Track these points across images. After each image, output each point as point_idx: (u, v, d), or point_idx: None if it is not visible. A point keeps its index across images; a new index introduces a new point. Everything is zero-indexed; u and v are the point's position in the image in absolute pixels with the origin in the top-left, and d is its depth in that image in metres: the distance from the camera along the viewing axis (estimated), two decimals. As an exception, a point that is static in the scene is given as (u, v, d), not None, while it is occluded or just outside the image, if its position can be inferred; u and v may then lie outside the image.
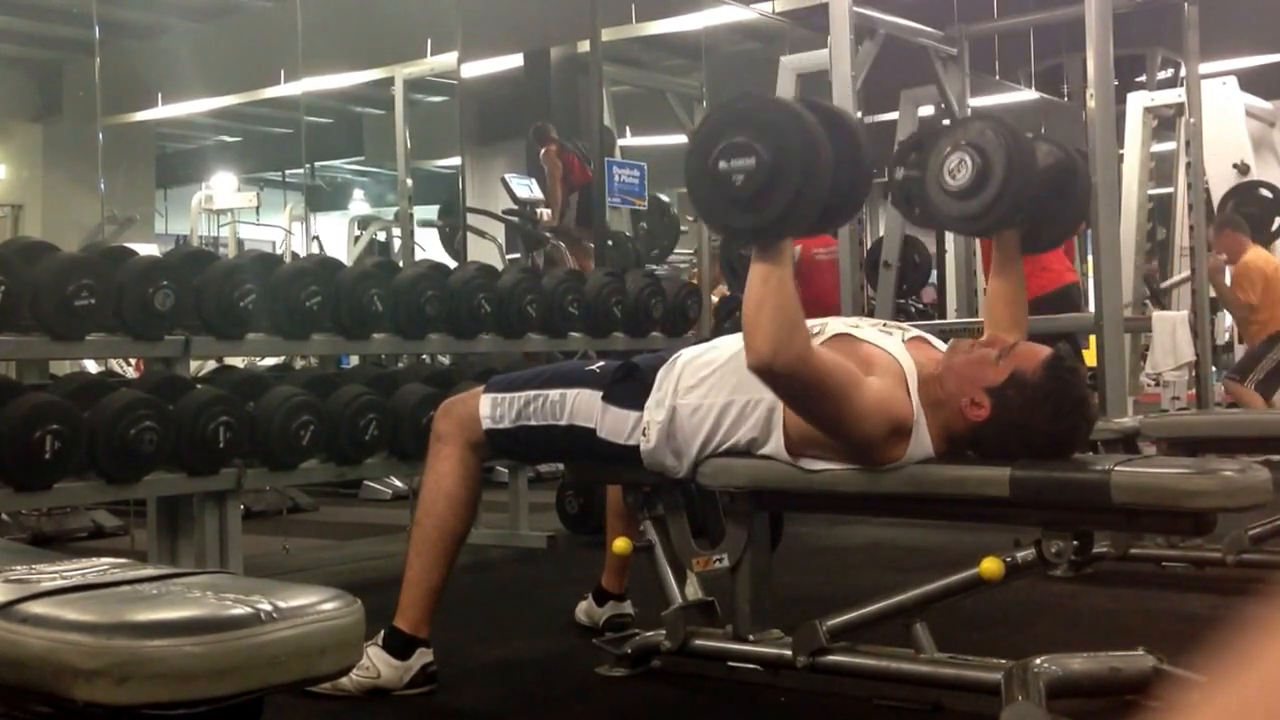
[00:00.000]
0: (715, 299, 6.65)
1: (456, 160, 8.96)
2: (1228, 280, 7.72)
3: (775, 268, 2.49)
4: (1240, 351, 8.42)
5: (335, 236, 14.33)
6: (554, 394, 2.98)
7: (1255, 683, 0.46)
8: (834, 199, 2.54)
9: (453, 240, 8.02)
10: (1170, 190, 8.65)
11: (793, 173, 2.40)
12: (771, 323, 2.45)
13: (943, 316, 8.70)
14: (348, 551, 5.41)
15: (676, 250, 10.03)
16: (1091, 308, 6.96)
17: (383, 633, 2.88)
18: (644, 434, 2.86)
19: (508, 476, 5.40)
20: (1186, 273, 8.66)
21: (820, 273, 7.05)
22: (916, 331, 2.91)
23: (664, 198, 8.34)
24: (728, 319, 6.40)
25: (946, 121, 6.87)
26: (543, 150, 8.49)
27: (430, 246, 9.68)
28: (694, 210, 2.60)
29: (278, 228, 13.05)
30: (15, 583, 1.40)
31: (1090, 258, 7.55)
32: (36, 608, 1.33)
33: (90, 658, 1.26)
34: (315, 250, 11.82)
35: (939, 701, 2.60)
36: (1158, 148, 9.34)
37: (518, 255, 8.25)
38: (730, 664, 2.87)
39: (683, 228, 8.67)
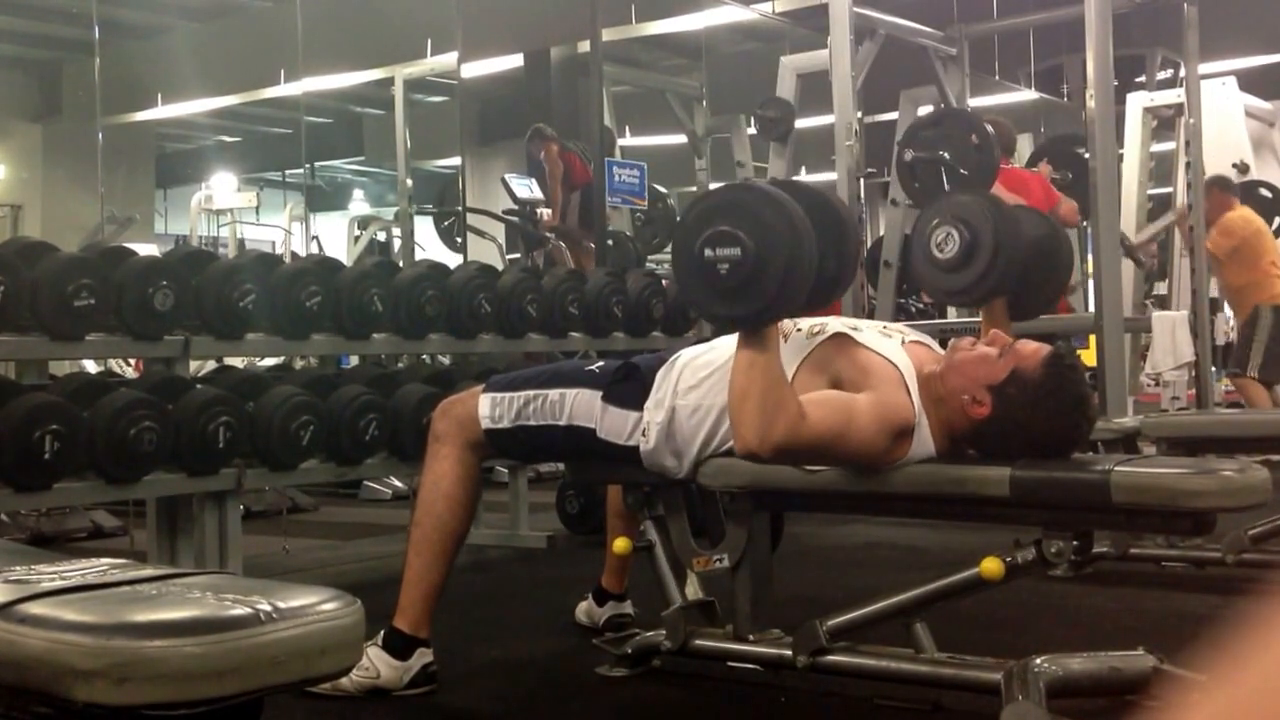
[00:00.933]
0: None
1: (456, 160, 8.97)
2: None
3: (760, 354, 2.55)
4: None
5: (335, 236, 14.32)
6: (553, 394, 2.98)
7: (1254, 682, 0.46)
8: (820, 285, 2.57)
9: (450, 232, 8.02)
10: (1170, 190, 8.65)
11: (777, 264, 2.44)
12: (756, 412, 2.52)
13: (942, 316, 8.69)
14: (348, 552, 5.41)
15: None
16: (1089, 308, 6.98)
17: (382, 633, 2.88)
18: (643, 434, 2.86)
19: (508, 476, 5.40)
20: (1162, 222, 8.66)
21: None
22: (916, 335, 2.91)
23: (661, 188, 8.34)
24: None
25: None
26: (542, 151, 8.50)
27: (430, 246, 9.68)
28: (680, 293, 2.65)
29: (277, 228, 13.05)
30: (15, 583, 1.40)
31: (1090, 257, 7.55)
32: (36, 608, 1.33)
33: (90, 658, 1.25)
34: (315, 250, 11.82)
35: (939, 701, 2.60)
36: (1157, 148, 9.34)
37: (518, 255, 8.25)
38: (730, 664, 2.87)
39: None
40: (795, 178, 6.92)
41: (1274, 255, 7.95)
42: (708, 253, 2.48)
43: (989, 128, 5.32)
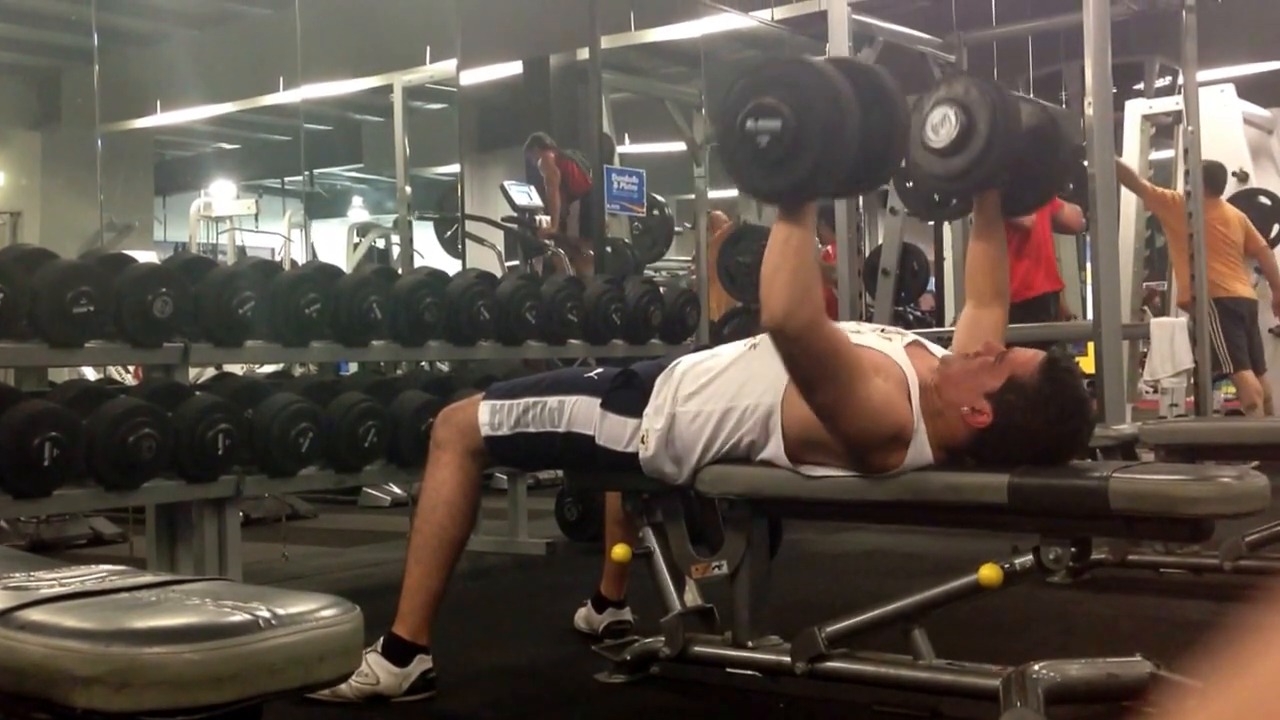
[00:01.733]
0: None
1: (455, 167, 8.97)
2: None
3: (797, 229, 2.51)
4: None
5: (334, 244, 14.33)
6: (552, 401, 2.98)
7: (1250, 688, 0.46)
8: (865, 162, 2.54)
9: (453, 240, 8.03)
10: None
11: (816, 136, 2.41)
12: (788, 285, 2.47)
13: (941, 324, 8.69)
14: (347, 558, 5.41)
15: (675, 257, 10.03)
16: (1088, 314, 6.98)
17: (382, 639, 2.88)
18: (642, 441, 2.86)
19: (507, 483, 5.40)
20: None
21: None
22: (914, 337, 2.91)
23: (658, 197, 8.34)
24: (726, 326, 6.41)
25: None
26: (540, 159, 8.50)
27: (429, 253, 9.68)
28: (724, 167, 2.61)
29: (277, 235, 13.06)
30: (14, 590, 1.40)
31: (1089, 265, 7.56)
32: (35, 615, 1.33)
33: (89, 665, 1.26)
34: (314, 257, 11.82)
35: (937, 708, 2.60)
36: (1156, 155, 9.35)
37: (517, 262, 8.25)
38: (729, 670, 2.87)
39: (677, 229, 8.67)
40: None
41: (1230, 256, 7.96)
42: (749, 124, 2.46)
43: None
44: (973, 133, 2.96)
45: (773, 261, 2.51)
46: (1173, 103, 8.32)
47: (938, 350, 2.86)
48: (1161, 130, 8.98)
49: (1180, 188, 7.79)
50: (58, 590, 1.41)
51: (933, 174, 3.11)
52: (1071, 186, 7.14)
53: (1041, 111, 3.22)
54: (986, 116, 2.96)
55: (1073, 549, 2.48)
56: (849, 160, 2.46)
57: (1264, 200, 8.94)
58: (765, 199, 2.86)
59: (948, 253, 8.75)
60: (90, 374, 7.02)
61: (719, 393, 2.80)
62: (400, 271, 5.60)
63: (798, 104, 2.41)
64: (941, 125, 2.99)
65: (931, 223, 8.86)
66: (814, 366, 2.55)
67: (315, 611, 1.40)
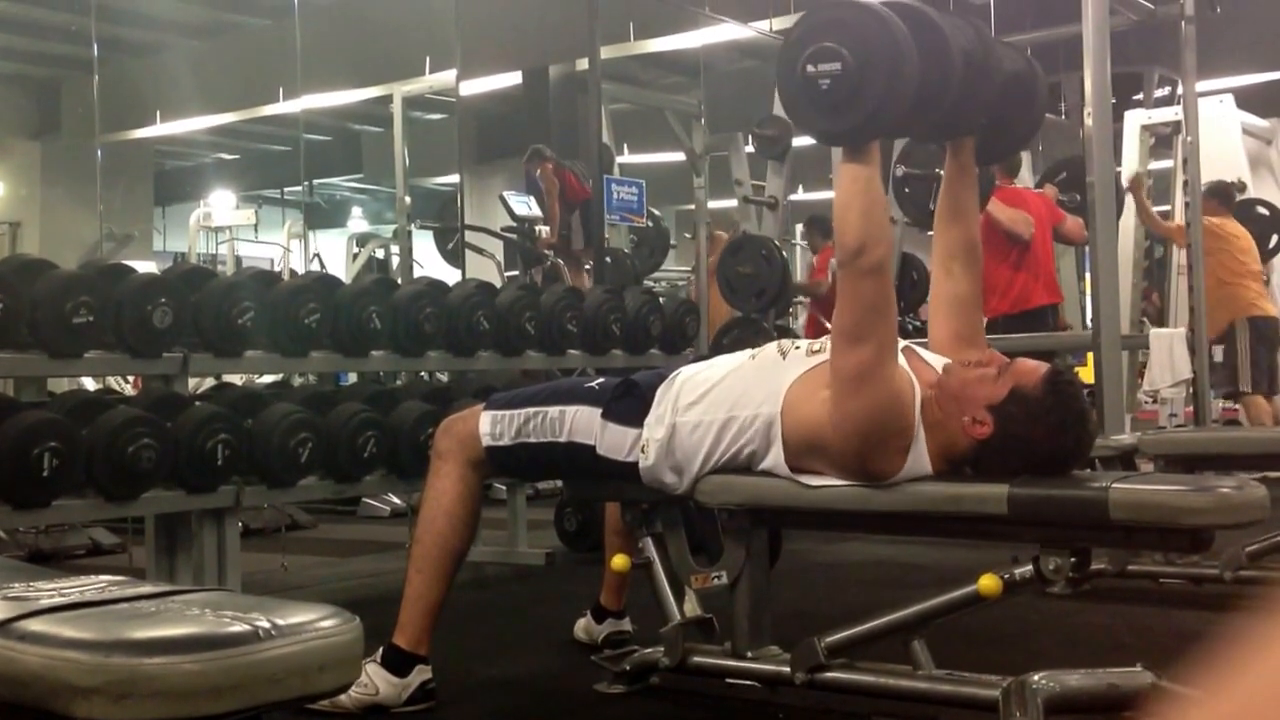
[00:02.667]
0: None
1: (455, 178, 8.98)
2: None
3: (864, 168, 2.56)
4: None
5: (334, 254, 14.33)
6: (553, 411, 2.98)
7: (1246, 693, 0.46)
8: (921, 98, 2.56)
9: (455, 251, 8.03)
10: (1168, 208, 8.66)
11: (879, 75, 2.45)
12: (861, 219, 2.53)
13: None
14: (346, 569, 5.41)
15: (675, 267, 10.04)
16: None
17: (381, 650, 2.88)
18: (643, 451, 2.86)
19: (506, 494, 5.40)
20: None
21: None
22: (905, 342, 2.90)
23: (654, 210, 8.36)
24: (725, 336, 6.41)
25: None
26: (539, 170, 8.52)
27: (429, 263, 9.68)
28: (785, 112, 2.63)
29: (276, 245, 13.06)
30: (13, 600, 1.40)
31: (1089, 275, 7.56)
32: (34, 625, 1.33)
33: (88, 675, 1.25)
34: (314, 268, 11.82)
35: (937, 718, 2.59)
36: (1155, 165, 9.35)
37: (516, 273, 8.26)
38: (729, 681, 2.86)
39: (672, 243, 8.68)
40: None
41: (1249, 270, 7.97)
42: (809, 69, 2.49)
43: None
44: (949, 77, 2.91)
45: (844, 200, 2.56)
46: (1172, 113, 8.33)
47: (931, 358, 2.85)
48: (1161, 140, 8.98)
49: (1179, 198, 7.80)
50: (57, 601, 1.41)
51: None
52: (1079, 198, 7.16)
53: (1020, 58, 3.17)
54: (960, 60, 2.91)
55: (1072, 559, 2.48)
56: (909, 98, 2.49)
57: (1262, 210, 8.95)
58: (829, 141, 2.87)
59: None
60: (90, 384, 7.03)
61: (719, 402, 2.80)
62: (400, 282, 5.61)
63: (856, 45, 2.46)
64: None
65: (930, 232, 8.86)
66: (868, 313, 2.55)
67: (315, 622, 1.40)
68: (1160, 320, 8.90)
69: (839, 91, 2.47)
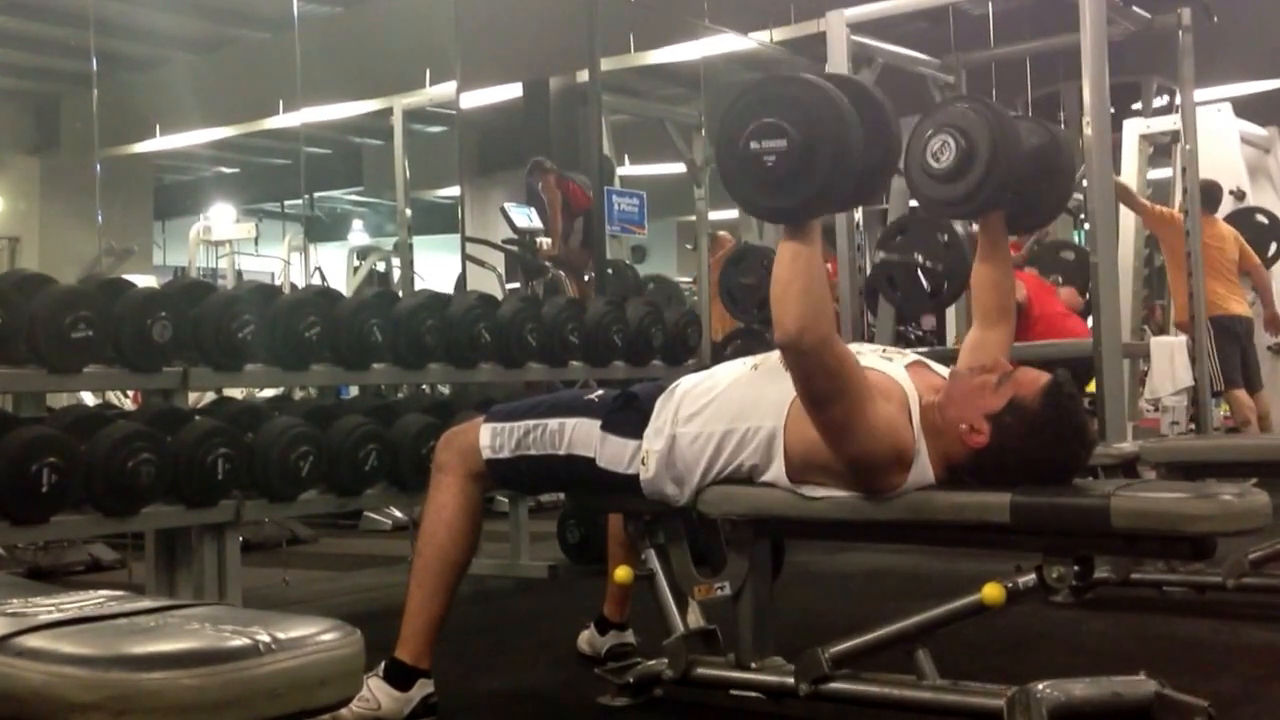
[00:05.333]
0: None
1: (455, 190, 8.98)
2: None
3: (805, 247, 2.50)
4: None
5: (335, 267, 14.33)
6: (553, 423, 2.98)
7: None
8: (865, 175, 2.54)
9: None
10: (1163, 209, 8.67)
11: (824, 153, 2.40)
12: (800, 301, 2.47)
13: (943, 342, 8.70)
14: (348, 583, 5.40)
15: (677, 278, 10.04)
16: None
17: (383, 664, 2.87)
18: (643, 463, 2.85)
19: (508, 506, 5.39)
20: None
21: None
22: (916, 357, 2.91)
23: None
24: (728, 346, 6.41)
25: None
26: (541, 182, 8.52)
27: (430, 276, 9.68)
28: (725, 188, 2.59)
29: (276, 259, 13.06)
30: (12, 616, 1.39)
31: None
32: (33, 641, 1.32)
33: (87, 691, 1.25)
34: (315, 281, 11.82)
35: (942, 729, 2.59)
36: (1154, 174, 9.36)
37: (517, 284, 8.26)
38: (733, 692, 2.86)
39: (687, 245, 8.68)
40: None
41: (1227, 275, 7.99)
42: (752, 145, 2.44)
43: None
44: (973, 158, 2.97)
45: (783, 279, 2.50)
46: (1170, 122, 8.32)
47: (941, 370, 2.85)
48: (1159, 149, 8.99)
49: (1178, 206, 7.81)
50: (56, 616, 1.40)
51: (936, 199, 3.13)
52: (1060, 280, 7.30)
53: (1043, 131, 3.22)
54: (986, 141, 2.96)
55: (1075, 568, 2.47)
56: (855, 172, 2.46)
57: (1261, 219, 8.95)
58: (772, 219, 2.85)
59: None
60: (89, 399, 7.02)
61: (719, 414, 2.80)
62: (401, 294, 5.60)
63: (802, 121, 2.41)
64: (942, 151, 3.00)
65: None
66: (826, 382, 2.54)
67: (316, 635, 1.39)
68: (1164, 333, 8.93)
69: (783, 169, 2.41)
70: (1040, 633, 3.70)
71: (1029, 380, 2.65)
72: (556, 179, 8.49)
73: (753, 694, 2.82)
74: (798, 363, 2.55)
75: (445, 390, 5.56)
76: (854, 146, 2.42)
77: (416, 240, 9.30)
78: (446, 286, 7.24)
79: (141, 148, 13.74)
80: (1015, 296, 3.19)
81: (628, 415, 2.92)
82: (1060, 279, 7.95)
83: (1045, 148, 3.15)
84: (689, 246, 8.96)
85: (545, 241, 8.07)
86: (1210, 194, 8.04)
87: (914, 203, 7.33)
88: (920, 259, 5.85)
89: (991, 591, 2.47)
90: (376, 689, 2.83)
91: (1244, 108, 9.85)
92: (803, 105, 2.43)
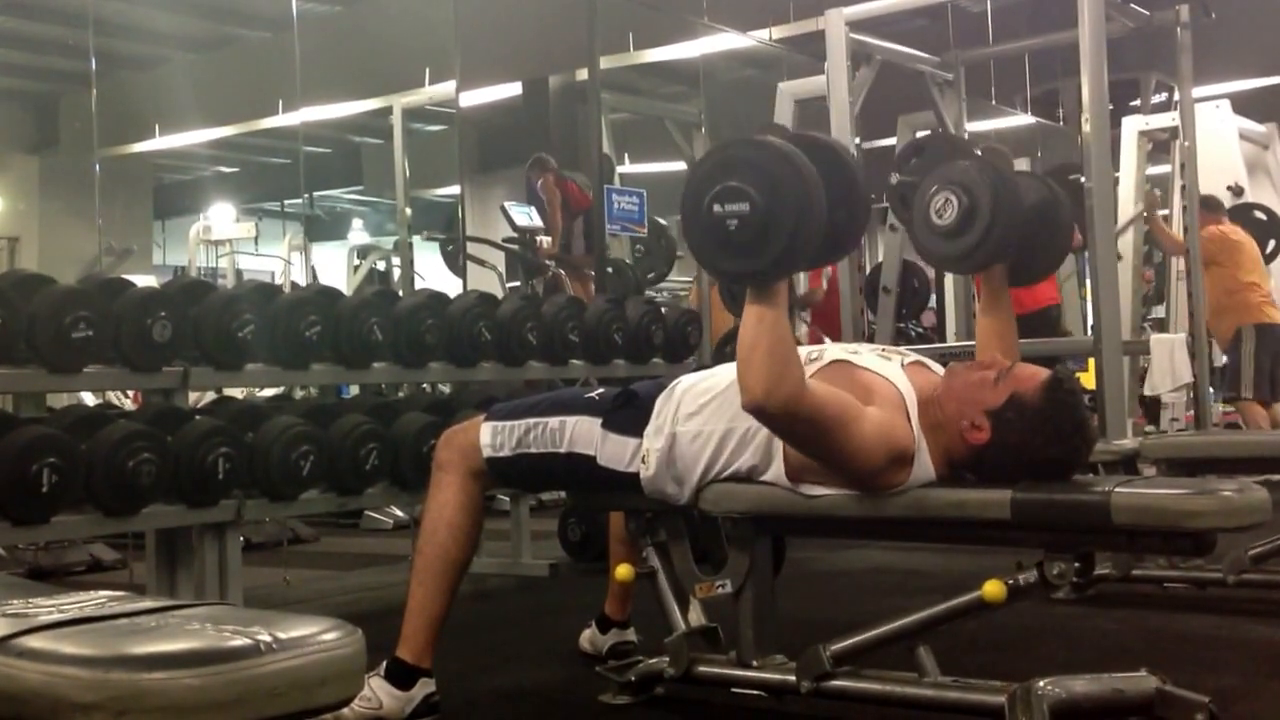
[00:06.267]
0: None
1: (455, 189, 8.98)
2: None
3: (769, 309, 2.50)
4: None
5: (335, 266, 14.33)
6: (553, 422, 2.98)
7: None
8: (831, 236, 2.55)
9: (456, 258, 8.04)
10: (1165, 212, 8.68)
11: (787, 217, 2.41)
12: (764, 364, 2.47)
13: (942, 340, 8.70)
14: (349, 582, 5.40)
15: (675, 277, 10.03)
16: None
17: (385, 663, 2.87)
18: (643, 461, 2.86)
19: (509, 505, 5.39)
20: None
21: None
22: (915, 356, 2.91)
23: (661, 220, 8.35)
24: (728, 345, 6.40)
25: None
26: (540, 180, 8.51)
27: (430, 275, 9.68)
28: (689, 251, 2.59)
29: (276, 258, 13.06)
30: (12, 617, 1.39)
31: (1089, 281, 7.56)
32: (33, 642, 1.32)
33: (88, 691, 1.25)
34: (314, 280, 11.82)
35: (943, 726, 2.59)
36: (1153, 171, 9.37)
37: (518, 283, 8.26)
38: (734, 690, 2.86)
39: (679, 253, 8.68)
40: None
41: (1255, 276, 7.98)
42: (716, 209, 2.45)
43: (977, 151, 5.35)
44: (975, 214, 3.04)
45: (747, 342, 2.51)
46: (1169, 119, 8.34)
47: (940, 370, 2.86)
48: (1158, 146, 9.01)
49: (1176, 204, 7.82)
50: (56, 617, 1.40)
51: (939, 254, 3.22)
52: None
53: (1043, 188, 3.29)
54: (988, 198, 3.02)
55: (1076, 564, 2.47)
56: (818, 236, 2.47)
57: (1260, 215, 8.96)
58: (736, 282, 2.86)
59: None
60: (89, 399, 7.02)
61: (720, 413, 2.80)
62: (401, 293, 5.60)
63: (764, 186, 2.42)
64: (945, 208, 3.06)
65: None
66: (803, 432, 2.57)
67: (317, 635, 1.39)
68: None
69: (746, 232, 2.42)
70: (1041, 629, 3.70)
71: (1028, 376, 2.65)
72: (556, 178, 8.48)
73: (754, 692, 2.82)
74: (769, 424, 2.59)
75: (446, 389, 5.56)
76: (816, 211, 2.43)
77: (417, 240, 9.31)
78: (446, 286, 7.25)
79: (141, 147, 13.74)
80: (1018, 348, 3.21)
81: (628, 413, 2.92)
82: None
83: (1044, 204, 3.25)
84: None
85: (545, 240, 8.06)
86: (1214, 203, 8.04)
87: (922, 133, 7.36)
88: None
89: (992, 588, 2.47)
90: (378, 688, 2.83)
91: (1242, 104, 9.86)
92: (765, 170, 2.44)
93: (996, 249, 3.09)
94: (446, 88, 8.03)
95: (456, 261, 8.14)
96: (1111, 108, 5.65)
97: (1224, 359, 8.04)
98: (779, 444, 2.70)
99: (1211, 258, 7.58)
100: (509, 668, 3.53)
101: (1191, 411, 7.21)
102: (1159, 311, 9.86)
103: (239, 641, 1.33)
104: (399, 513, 6.79)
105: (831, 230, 2.54)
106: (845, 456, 2.56)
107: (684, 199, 2.54)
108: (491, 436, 3.02)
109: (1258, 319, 7.83)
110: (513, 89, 11.75)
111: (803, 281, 7.89)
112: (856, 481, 2.62)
